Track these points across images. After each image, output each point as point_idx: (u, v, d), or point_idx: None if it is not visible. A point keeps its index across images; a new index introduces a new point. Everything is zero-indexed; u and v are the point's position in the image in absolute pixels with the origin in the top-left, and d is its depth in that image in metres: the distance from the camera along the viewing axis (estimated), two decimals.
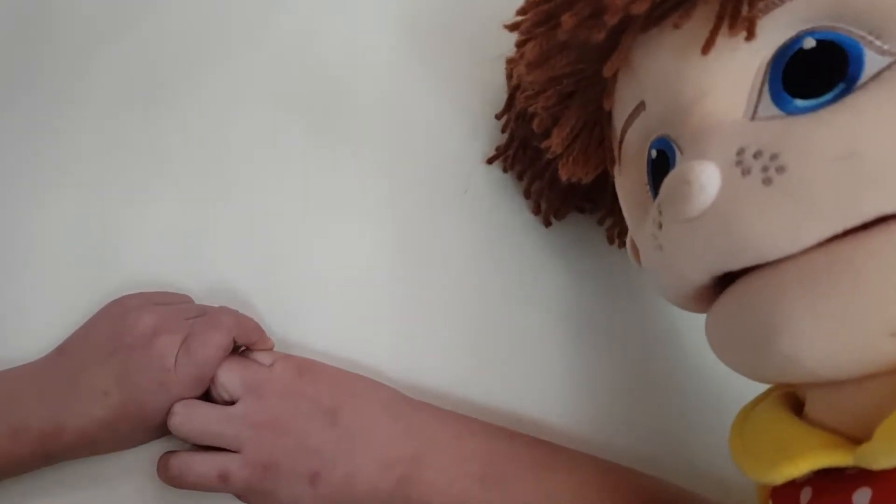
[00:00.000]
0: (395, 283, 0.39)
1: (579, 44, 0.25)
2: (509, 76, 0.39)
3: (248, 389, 0.31)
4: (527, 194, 0.41)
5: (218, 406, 0.30)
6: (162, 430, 0.30)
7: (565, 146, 0.31)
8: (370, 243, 0.40)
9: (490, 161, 0.42)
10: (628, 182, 0.30)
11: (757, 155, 0.21)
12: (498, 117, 0.41)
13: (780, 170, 0.20)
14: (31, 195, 0.38)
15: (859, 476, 0.20)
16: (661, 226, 0.25)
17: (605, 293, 0.41)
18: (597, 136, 0.30)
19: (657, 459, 0.37)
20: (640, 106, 0.27)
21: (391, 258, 0.39)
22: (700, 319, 0.27)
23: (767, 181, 0.20)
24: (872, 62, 0.20)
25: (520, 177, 0.41)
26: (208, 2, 0.43)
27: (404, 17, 0.45)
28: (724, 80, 0.23)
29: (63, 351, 0.31)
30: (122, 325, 0.30)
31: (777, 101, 0.22)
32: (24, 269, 0.36)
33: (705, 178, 0.22)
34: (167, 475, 0.30)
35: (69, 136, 0.39)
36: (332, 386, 0.32)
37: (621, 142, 0.29)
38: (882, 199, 0.19)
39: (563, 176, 0.32)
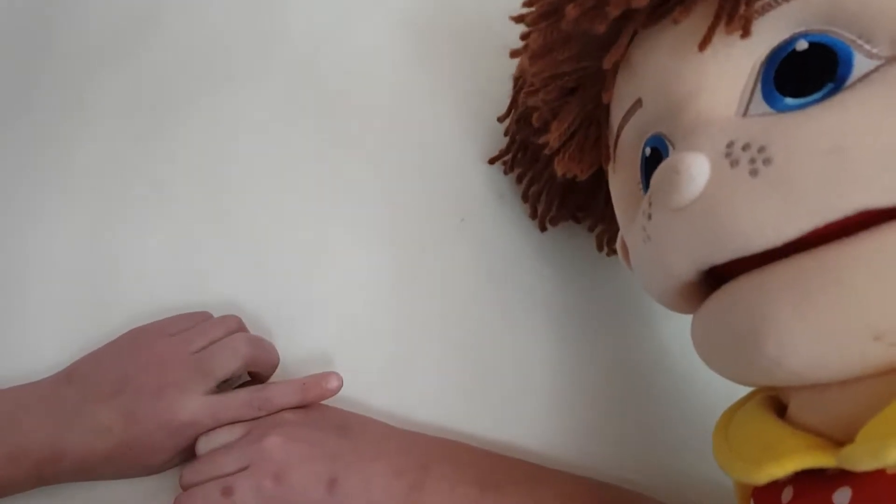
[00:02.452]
0: (392, 296, 0.39)
1: (582, 35, 0.26)
2: (515, 80, 0.40)
3: (253, 423, 0.31)
4: (525, 198, 0.42)
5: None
6: (159, 468, 0.31)
7: (562, 142, 0.31)
8: (368, 261, 0.40)
9: (491, 162, 0.43)
10: (622, 180, 0.30)
11: (745, 147, 0.21)
12: (500, 120, 0.42)
13: (767, 161, 0.21)
14: (32, 215, 0.38)
15: (840, 476, 0.20)
16: (650, 217, 0.25)
17: (601, 322, 0.41)
18: (593, 133, 0.31)
19: (647, 487, 0.37)
20: (637, 103, 0.27)
21: (389, 274, 0.40)
22: None
23: (754, 172, 0.21)
24: (861, 64, 0.21)
25: (519, 179, 0.42)
26: (211, 26, 0.44)
27: (405, 33, 0.46)
28: (718, 78, 0.24)
29: (72, 377, 0.31)
30: (135, 363, 0.31)
31: (768, 99, 0.23)
32: (23, 289, 0.36)
33: (695, 169, 0.22)
34: None
35: (70, 157, 0.40)
36: (336, 413, 0.33)
37: (617, 139, 0.30)
38: (864, 193, 0.19)
39: (559, 171, 0.32)
